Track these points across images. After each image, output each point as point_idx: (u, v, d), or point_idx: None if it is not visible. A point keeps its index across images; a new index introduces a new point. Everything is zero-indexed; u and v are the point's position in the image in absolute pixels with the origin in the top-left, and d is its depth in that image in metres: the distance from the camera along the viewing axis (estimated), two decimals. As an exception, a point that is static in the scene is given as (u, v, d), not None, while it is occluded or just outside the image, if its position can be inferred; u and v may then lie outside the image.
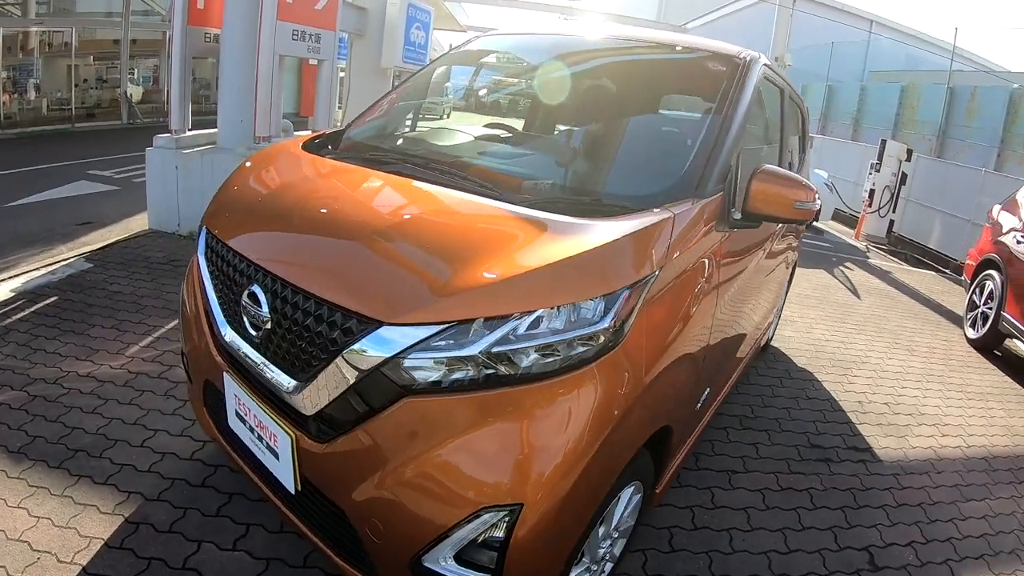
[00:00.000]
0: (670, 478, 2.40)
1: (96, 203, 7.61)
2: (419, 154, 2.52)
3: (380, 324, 1.56)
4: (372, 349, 1.56)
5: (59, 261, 5.00)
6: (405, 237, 1.80)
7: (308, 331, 1.69)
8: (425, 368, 1.55)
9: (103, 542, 2.25)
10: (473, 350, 1.53)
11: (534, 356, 1.56)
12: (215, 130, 6.47)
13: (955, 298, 7.83)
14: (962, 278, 7.22)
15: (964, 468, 3.73)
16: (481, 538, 1.56)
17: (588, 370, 1.61)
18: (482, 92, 3.61)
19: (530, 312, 1.56)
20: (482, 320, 1.54)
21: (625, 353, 1.70)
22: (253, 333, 1.86)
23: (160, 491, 2.54)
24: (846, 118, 16.83)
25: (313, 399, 1.69)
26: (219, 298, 2.05)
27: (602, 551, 2.03)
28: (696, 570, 2.51)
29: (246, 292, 1.87)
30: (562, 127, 2.89)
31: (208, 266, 2.13)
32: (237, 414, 2.00)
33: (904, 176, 11.04)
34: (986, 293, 6.13)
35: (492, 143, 2.83)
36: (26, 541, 2.22)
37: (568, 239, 1.72)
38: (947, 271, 9.70)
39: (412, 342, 1.54)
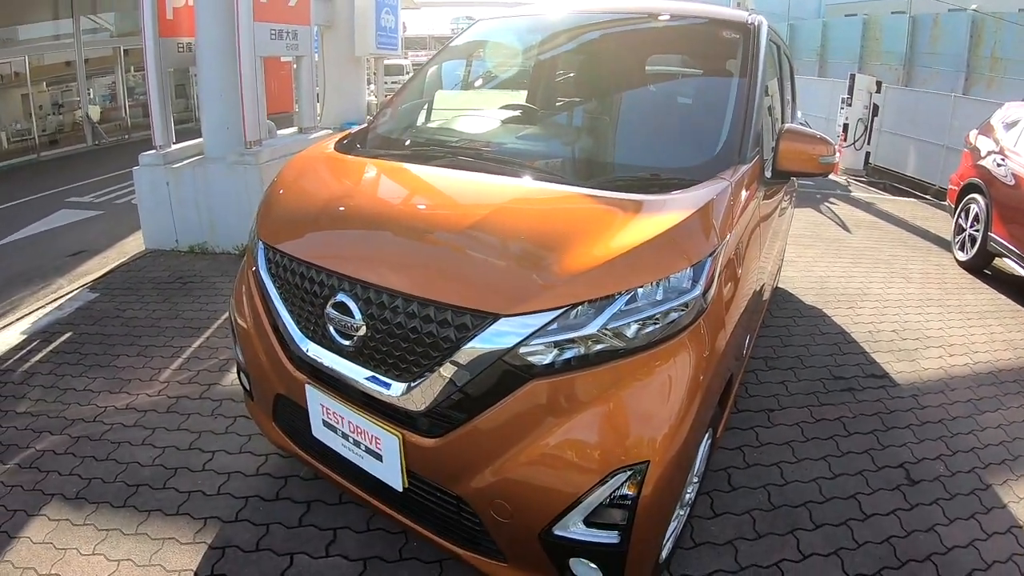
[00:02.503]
0: (726, 422, 2.61)
1: (83, 231, 7.42)
2: (467, 146, 2.58)
3: (497, 317, 1.65)
4: (492, 341, 1.65)
5: (63, 295, 4.89)
6: (497, 230, 1.86)
7: (415, 333, 1.75)
8: (541, 351, 1.65)
9: (193, 573, 2.24)
10: (591, 328, 1.65)
11: (638, 327, 1.70)
12: (199, 140, 6.31)
13: (938, 223, 8.12)
14: (945, 202, 7.47)
15: (975, 383, 3.99)
16: (610, 499, 1.67)
17: (687, 334, 1.75)
18: (503, 76, 3.63)
19: (632, 289, 1.71)
20: (588, 302, 1.68)
21: (712, 314, 1.86)
22: (344, 343, 1.89)
23: (236, 511, 2.54)
24: (811, 55, 17.01)
25: (423, 398, 1.76)
26: (292, 312, 2.06)
27: (687, 495, 2.23)
28: (757, 504, 2.72)
29: (331, 303, 1.89)
30: (598, 105, 2.92)
31: (275, 281, 2.14)
32: (325, 423, 2.03)
33: (876, 108, 11.28)
34: (971, 216, 6.40)
35: (532, 127, 2.89)
36: None
37: (649, 216, 1.85)
38: (927, 196, 10.00)
39: (532, 330, 1.64)
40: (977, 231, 6.23)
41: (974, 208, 6.37)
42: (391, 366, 1.83)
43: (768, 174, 2.47)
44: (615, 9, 3.18)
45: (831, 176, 11.05)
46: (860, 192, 10.00)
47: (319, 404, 2.03)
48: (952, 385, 3.93)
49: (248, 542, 2.39)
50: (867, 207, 8.89)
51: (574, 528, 1.71)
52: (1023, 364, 4.33)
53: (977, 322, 4.99)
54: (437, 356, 1.74)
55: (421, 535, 1.98)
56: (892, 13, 14.60)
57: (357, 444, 1.97)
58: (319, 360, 1.97)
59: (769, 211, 2.79)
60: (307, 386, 2.04)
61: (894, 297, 5.37)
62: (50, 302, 4.75)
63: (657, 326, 1.72)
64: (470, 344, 1.68)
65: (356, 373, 1.89)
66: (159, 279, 5.19)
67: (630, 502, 1.68)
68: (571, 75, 3.31)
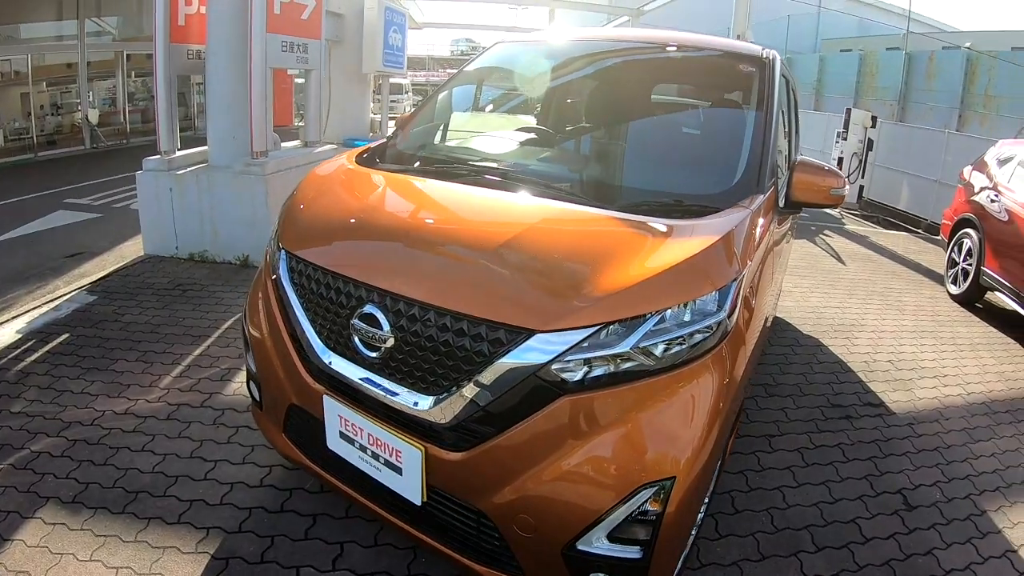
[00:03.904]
0: (731, 445, 2.65)
1: (81, 232, 7.38)
2: (492, 165, 2.62)
3: (532, 333, 1.68)
4: (526, 357, 1.67)
5: (60, 296, 4.83)
6: (530, 248, 1.89)
7: (447, 347, 1.76)
8: (572, 369, 1.68)
9: None
10: (623, 347, 1.69)
11: (665, 347, 1.74)
12: (203, 148, 6.31)
13: (931, 256, 8.25)
14: (938, 237, 7.59)
15: (968, 413, 4.05)
16: (635, 515, 1.68)
17: (711, 356, 1.80)
18: (520, 99, 3.68)
19: (663, 310, 1.74)
20: (621, 322, 1.71)
21: (734, 339, 1.91)
22: (370, 355, 1.89)
23: (240, 522, 2.49)
24: (807, 88, 17.29)
25: (451, 411, 1.76)
26: (314, 322, 2.05)
27: (699, 516, 2.26)
28: (761, 526, 2.75)
29: (358, 314, 1.89)
30: (619, 131, 2.97)
31: (296, 291, 2.12)
32: (342, 435, 2.01)
33: (871, 142, 11.47)
34: (964, 251, 6.50)
35: (556, 149, 2.95)
36: None
37: (677, 241, 1.90)
38: (919, 230, 10.14)
39: (567, 347, 1.66)
40: (970, 265, 6.33)
41: (967, 243, 6.47)
42: (418, 379, 1.83)
43: (781, 204, 2.54)
44: (632, 38, 3.27)
45: (825, 208, 11.19)
46: (854, 225, 10.14)
47: (337, 415, 2.02)
48: (946, 415, 3.99)
49: (253, 554, 2.35)
50: (861, 240, 9.02)
51: (597, 543, 1.72)
52: (1015, 395, 4.40)
53: (970, 354, 5.07)
54: (468, 370, 1.75)
55: (435, 550, 1.96)
56: (887, 49, 14.89)
57: (376, 457, 1.95)
58: (341, 372, 1.96)
59: (779, 240, 2.85)
60: (325, 397, 2.02)
61: (889, 328, 5.45)
62: (47, 302, 4.69)
63: (684, 347, 1.76)
64: (504, 359, 1.70)
65: (381, 386, 1.88)
66: (158, 285, 5.14)
67: (654, 518, 1.71)
68: (593, 101, 3.34)
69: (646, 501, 1.69)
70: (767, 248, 2.47)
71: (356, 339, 1.92)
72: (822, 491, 3.06)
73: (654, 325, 1.73)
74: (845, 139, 11.57)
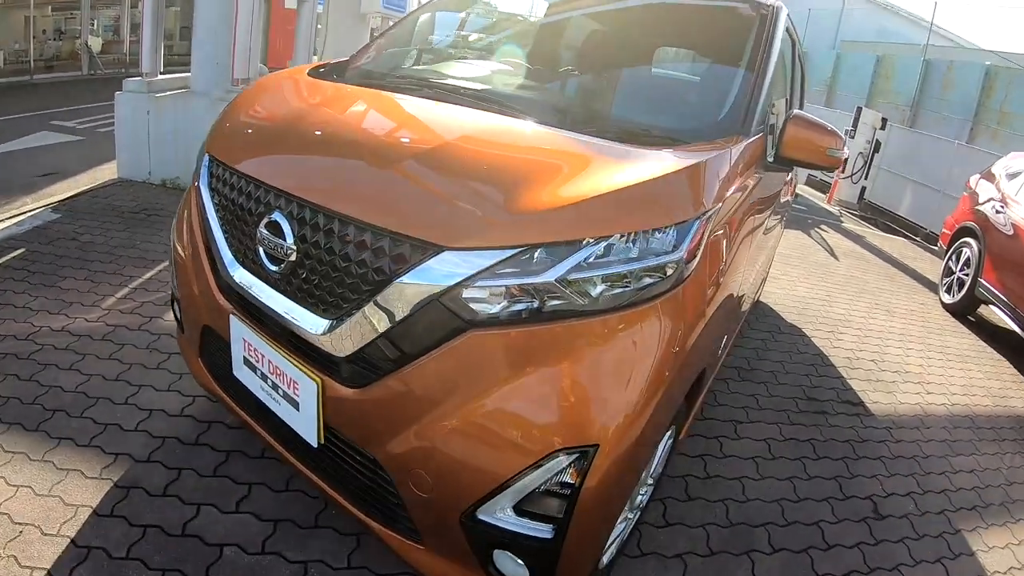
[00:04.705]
0: (689, 425, 2.35)
1: (60, 154, 7.13)
2: (447, 82, 2.34)
3: (441, 249, 1.41)
4: (431, 277, 1.41)
5: (24, 212, 4.59)
6: (461, 159, 1.62)
7: (346, 261, 1.51)
8: (487, 299, 1.41)
9: (91, 510, 2.03)
10: (548, 277, 1.39)
11: (605, 287, 1.43)
12: (187, 74, 6.08)
13: (927, 265, 7.98)
14: (937, 245, 7.34)
15: (950, 425, 3.80)
16: (547, 486, 1.41)
17: (660, 302, 1.49)
18: (500, 33, 3.40)
19: (604, 238, 1.43)
20: (550, 246, 1.41)
21: (693, 287, 1.59)
22: (273, 268, 1.65)
23: (150, 451, 2.32)
24: (819, 84, 16.92)
25: (348, 338, 1.51)
26: (226, 232, 1.84)
27: (640, 498, 1.96)
28: (714, 518, 2.48)
29: (264, 222, 1.66)
30: (599, 62, 2.74)
31: (213, 197, 1.91)
32: (246, 360, 1.80)
33: (878, 144, 11.15)
34: (962, 260, 6.23)
35: (524, 77, 2.69)
36: (6, 513, 1.98)
37: (633, 165, 1.60)
38: (917, 238, 9.88)
39: (477, 269, 1.39)
40: (967, 275, 6.06)
41: (966, 252, 6.20)
42: (318, 299, 1.59)
43: (770, 159, 2.24)
44: None
45: (824, 205, 10.92)
46: (851, 224, 9.85)
47: (242, 338, 1.79)
48: (927, 423, 3.74)
49: (156, 486, 2.18)
50: (857, 239, 8.74)
51: (501, 514, 1.44)
52: (1000, 413, 4.15)
53: (957, 364, 4.81)
54: (368, 290, 1.48)
55: (335, 501, 1.72)
56: (907, 55, 14.53)
57: (275, 388, 1.72)
58: (245, 287, 1.73)
59: (765, 205, 2.54)
60: (231, 317, 1.80)
61: (876, 328, 5.18)
62: (8, 217, 4.46)
63: (627, 289, 1.45)
64: (405, 278, 1.43)
65: (280, 303, 1.65)
66: (124, 208, 4.91)
67: (570, 492, 1.41)
68: (580, 41, 3.07)
69: (562, 470, 1.39)
70: (751, 204, 2.17)
71: (261, 251, 1.68)
72: (786, 487, 2.78)
73: (591, 257, 1.42)
74: (852, 137, 11.22)
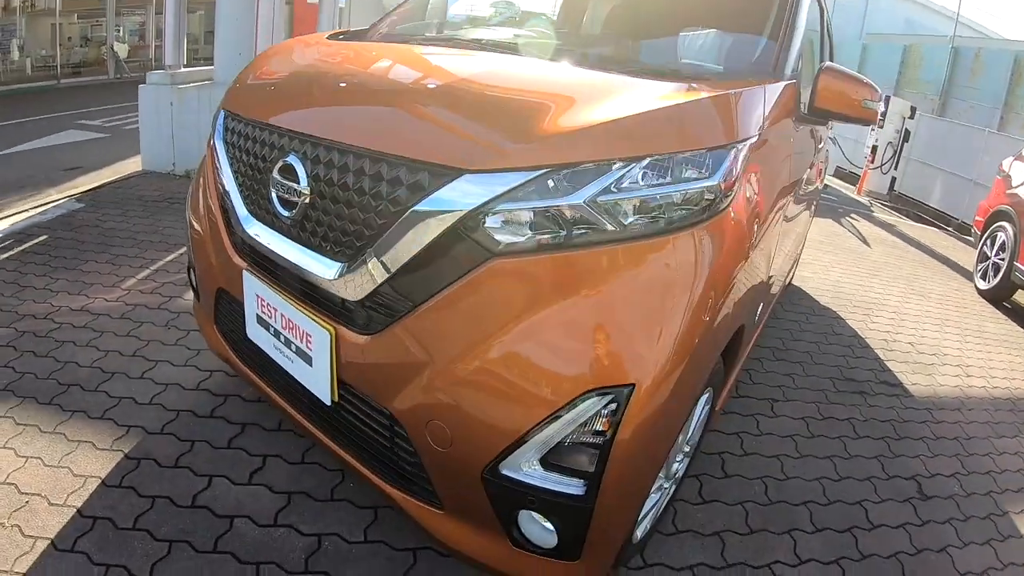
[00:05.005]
0: (727, 394, 2.26)
1: (85, 150, 7.21)
2: (472, 37, 2.31)
3: (460, 173, 1.32)
4: (449, 204, 1.31)
5: (49, 203, 4.64)
6: (483, 91, 1.55)
7: (361, 195, 1.43)
8: (511, 226, 1.31)
9: (100, 481, 2.00)
10: (576, 199, 1.30)
11: (638, 212, 1.34)
12: (210, 67, 6.17)
13: (960, 254, 7.76)
14: (972, 231, 7.14)
15: (992, 407, 3.66)
16: (577, 435, 1.30)
17: (697, 231, 1.39)
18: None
19: (634, 159, 1.34)
20: (576, 167, 1.32)
21: (732, 219, 1.50)
22: (285, 214, 1.59)
23: (164, 424, 2.29)
24: (846, 75, 16.61)
25: (361, 280, 1.43)
26: (240, 185, 1.79)
27: (676, 466, 1.86)
28: (752, 496, 2.38)
29: (279, 166, 1.60)
30: (626, 21, 2.73)
31: (227, 150, 1.86)
32: (259, 318, 1.73)
33: (907, 133, 10.89)
34: (997, 244, 6.03)
35: (547, 37, 2.66)
36: (13, 483, 1.95)
37: (663, 93, 1.53)
38: (949, 228, 9.64)
39: (500, 191, 1.30)
40: (1002, 260, 5.87)
41: (1001, 236, 6.00)
42: (332, 241, 1.51)
43: (804, 110, 2.17)
44: None
45: (854, 196, 10.71)
46: (882, 214, 9.63)
47: (255, 294, 1.73)
48: (969, 405, 3.60)
49: (168, 457, 2.14)
50: (888, 227, 8.53)
51: (527, 468, 1.33)
52: (1044, 399, 3.99)
53: (996, 349, 4.65)
54: (384, 223, 1.39)
55: (353, 468, 1.64)
56: (935, 46, 14.23)
57: (288, 344, 1.65)
58: (257, 238, 1.68)
59: (799, 165, 2.43)
60: (244, 273, 1.75)
61: (912, 312, 5.03)
62: (34, 207, 4.54)
63: (662, 215, 1.36)
64: (421, 205, 1.34)
65: (292, 252, 1.58)
66: (147, 197, 4.97)
67: (602, 443, 1.29)
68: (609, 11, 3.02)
69: (593, 416, 1.27)
70: (783, 154, 2.06)
71: (275, 197, 1.63)
72: (827, 466, 2.67)
73: (623, 180, 1.33)
74: (881, 127, 10.96)
